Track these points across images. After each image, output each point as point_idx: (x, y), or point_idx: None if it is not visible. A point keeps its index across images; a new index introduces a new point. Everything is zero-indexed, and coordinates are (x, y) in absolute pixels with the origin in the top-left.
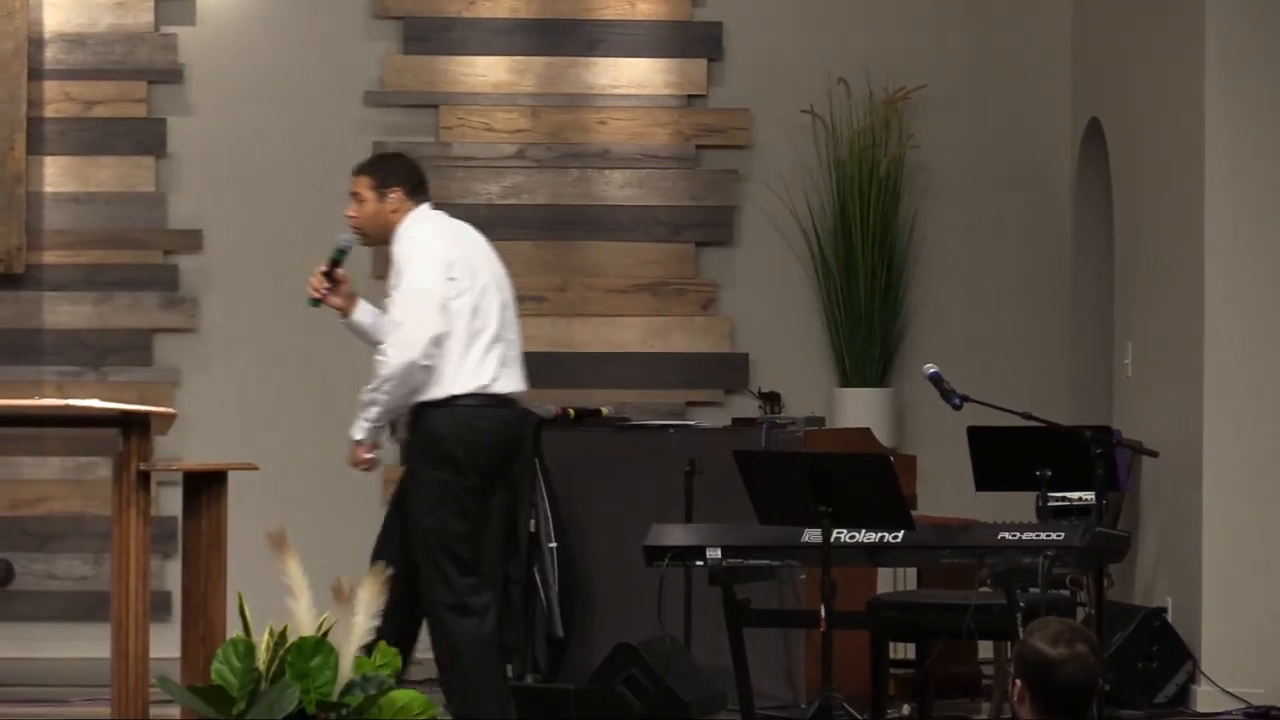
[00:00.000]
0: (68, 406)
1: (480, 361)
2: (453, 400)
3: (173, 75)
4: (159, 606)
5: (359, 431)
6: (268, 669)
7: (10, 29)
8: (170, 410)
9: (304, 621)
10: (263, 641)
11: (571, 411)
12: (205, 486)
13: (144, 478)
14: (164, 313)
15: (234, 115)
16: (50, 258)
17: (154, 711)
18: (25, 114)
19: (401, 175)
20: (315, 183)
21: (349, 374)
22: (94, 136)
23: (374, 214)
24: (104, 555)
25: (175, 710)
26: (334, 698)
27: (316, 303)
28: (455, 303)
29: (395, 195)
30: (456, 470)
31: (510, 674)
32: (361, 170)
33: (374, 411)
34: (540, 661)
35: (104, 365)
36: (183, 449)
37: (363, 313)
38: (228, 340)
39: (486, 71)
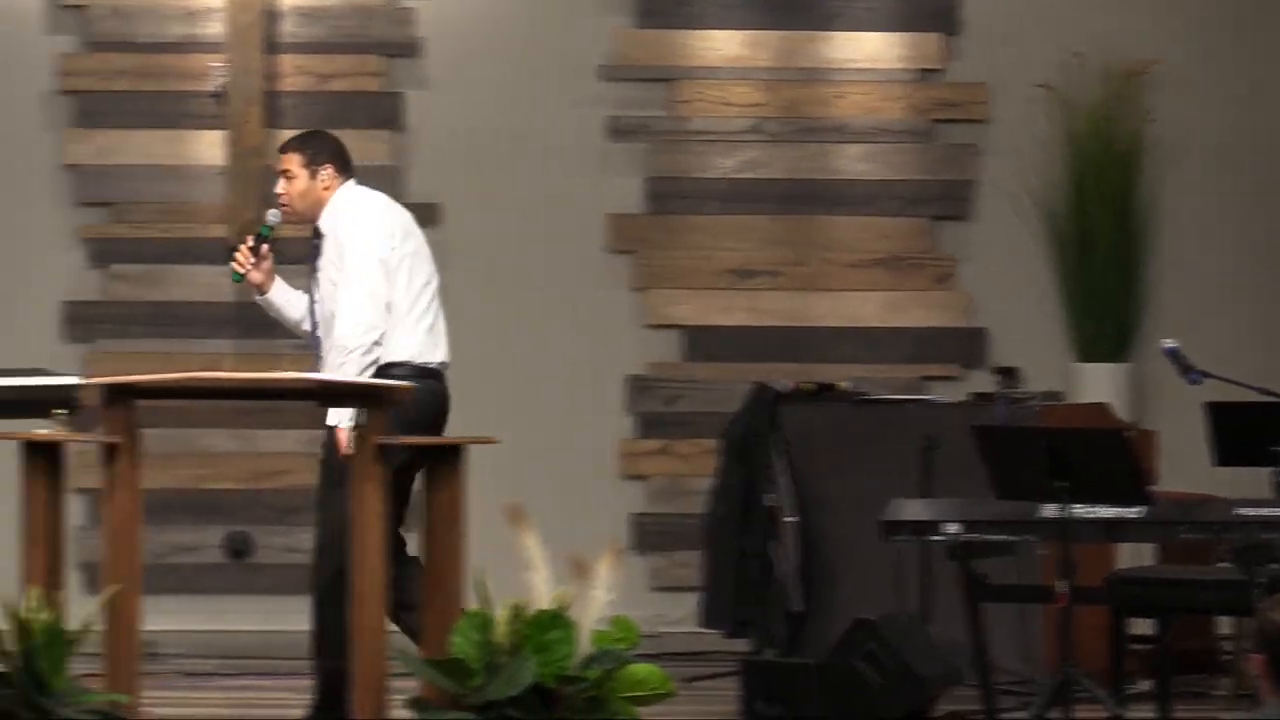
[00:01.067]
0: (304, 380)
1: (412, 332)
2: (387, 370)
3: (409, 49)
4: None
5: (336, 418)
6: (506, 643)
7: (247, 2)
8: (407, 384)
9: (542, 595)
10: (501, 615)
11: (808, 385)
12: (443, 460)
13: (382, 451)
14: None
15: (469, 89)
16: (287, 231)
17: (393, 684)
18: (262, 88)
19: (331, 152)
20: (550, 156)
21: (586, 348)
22: (330, 110)
23: (305, 191)
24: None
25: (414, 683)
26: (572, 672)
27: (240, 277)
28: (401, 274)
29: (326, 172)
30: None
31: (749, 648)
32: (290, 147)
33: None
34: (778, 636)
35: None
36: None
37: (278, 290)
38: (466, 314)
39: (721, 45)
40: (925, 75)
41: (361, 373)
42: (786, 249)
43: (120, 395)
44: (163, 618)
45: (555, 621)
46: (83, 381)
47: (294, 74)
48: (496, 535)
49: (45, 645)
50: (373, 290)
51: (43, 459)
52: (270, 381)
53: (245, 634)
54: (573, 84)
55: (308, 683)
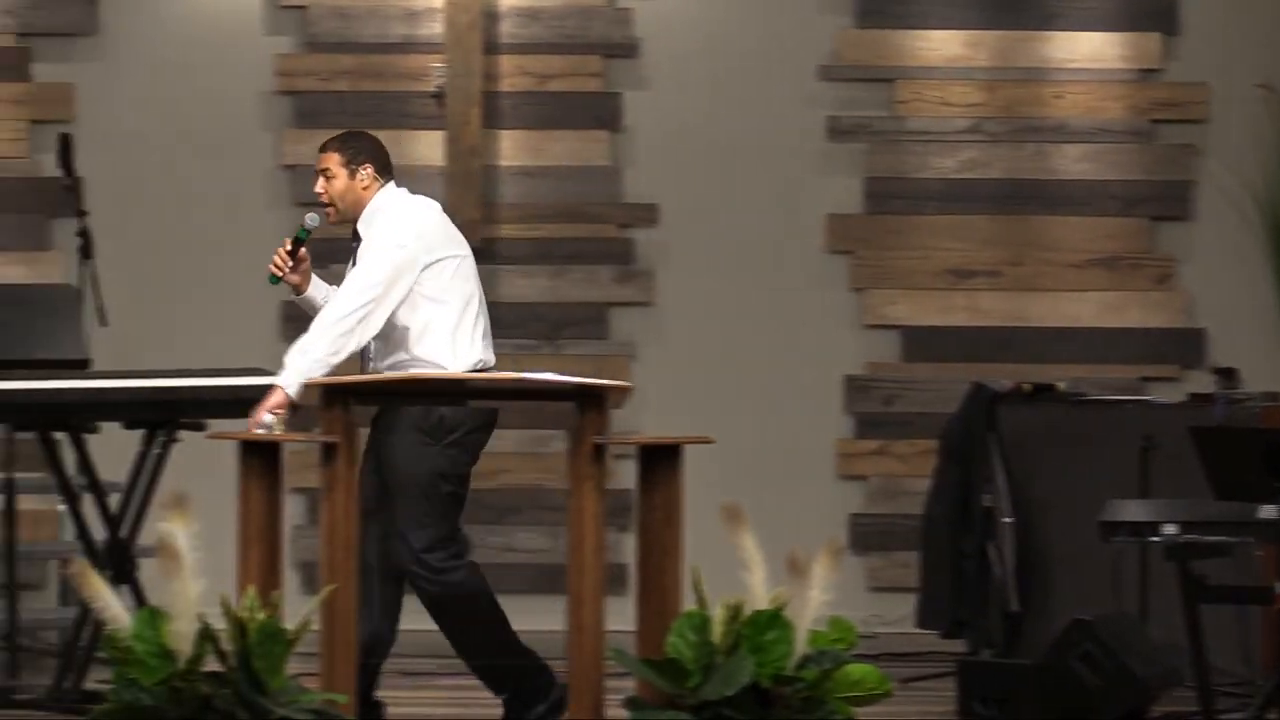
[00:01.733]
0: (522, 380)
1: (471, 337)
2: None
3: (628, 49)
4: (614, 579)
5: (289, 383)
6: (723, 643)
7: (467, 3)
8: (625, 384)
9: (759, 595)
10: (717, 615)
11: (1026, 386)
12: (660, 459)
13: (599, 451)
14: (619, 286)
15: (689, 89)
16: (506, 231)
17: (609, 684)
18: (481, 88)
19: (371, 152)
20: (768, 157)
21: (804, 348)
22: (549, 110)
23: (344, 190)
24: (560, 528)
25: (630, 683)
26: (788, 672)
27: (276, 279)
28: (434, 283)
29: (366, 172)
30: (458, 446)
31: (966, 648)
32: (329, 146)
33: (311, 364)
34: (995, 637)
35: (559, 339)
36: (638, 422)
37: (315, 288)
38: (683, 314)
39: (941, 45)
40: (1145, 75)
41: (325, 351)
42: (1005, 249)
43: (338, 395)
44: None
45: (772, 622)
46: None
47: (513, 74)
48: (714, 535)
49: (262, 644)
50: (373, 283)
51: (260, 458)
52: (487, 381)
53: None
54: (792, 84)
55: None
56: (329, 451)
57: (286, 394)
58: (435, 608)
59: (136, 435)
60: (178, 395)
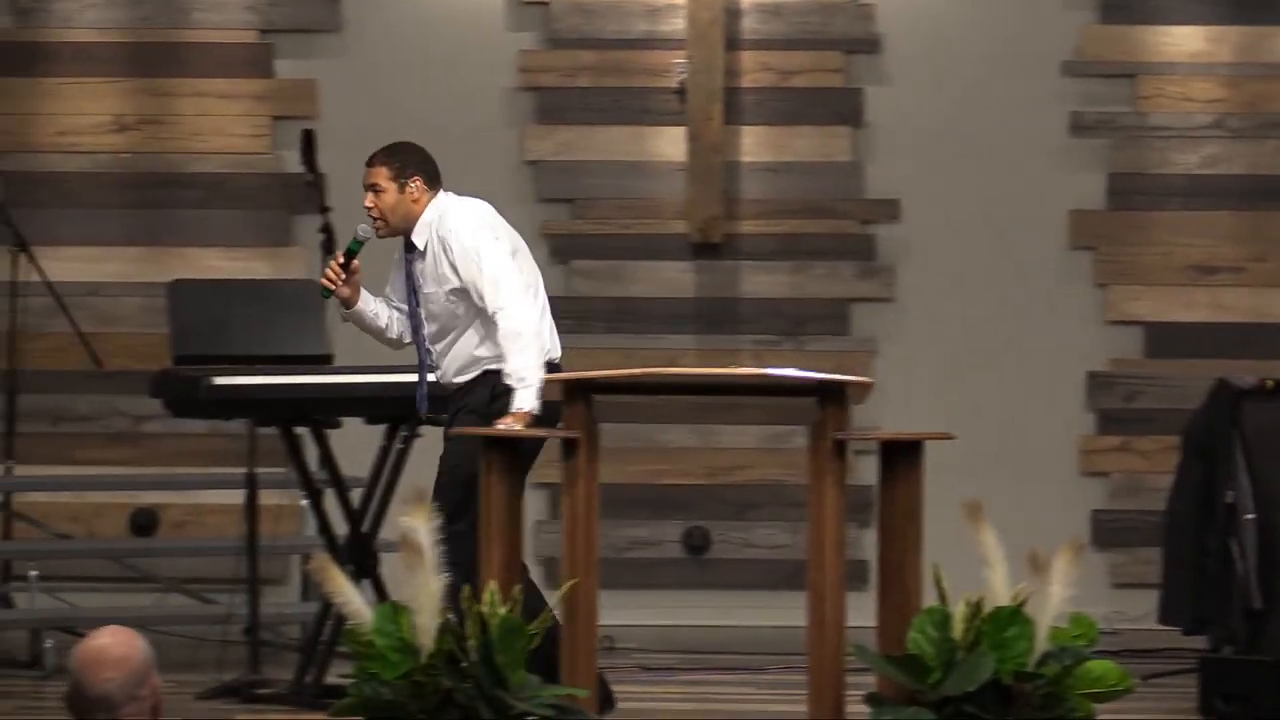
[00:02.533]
0: (765, 375)
1: (544, 330)
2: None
3: (870, 45)
4: (855, 575)
5: (528, 401)
6: (963, 639)
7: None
8: (867, 379)
9: (999, 592)
10: (958, 611)
11: (1270, 382)
12: (901, 455)
13: (840, 446)
14: (861, 282)
15: (931, 85)
16: (748, 227)
17: (849, 680)
18: (723, 84)
19: (419, 163)
20: (1010, 152)
21: (1046, 344)
22: (791, 106)
23: (395, 204)
24: (800, 524)
25: (870, 678)
26: (1030, 668)
27: (328, 293)
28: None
29: (415, 184)
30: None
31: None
32: (377, 160)
33: (532, 373)
34: (1237, 634)
35: (801, 334)
36: (879, 418)
37: (364, 302)
38: (925, 310)
39: (1183, 41)
40: None
41: (539, 353)
42: (1248, 245)
43: (579, 390)
44: (620, 612)
45: (1013, 618)
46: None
47: (755, 70)
48: (954, 531)
49: (504, 639)
50: (518, 279)
51: (501, 454)
52: (729, 377)
53: (703, 628)
54: (1035, 80)
55: (766, 677)
56: (570, 447)
57: (527, 411)
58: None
59: (378, 430)
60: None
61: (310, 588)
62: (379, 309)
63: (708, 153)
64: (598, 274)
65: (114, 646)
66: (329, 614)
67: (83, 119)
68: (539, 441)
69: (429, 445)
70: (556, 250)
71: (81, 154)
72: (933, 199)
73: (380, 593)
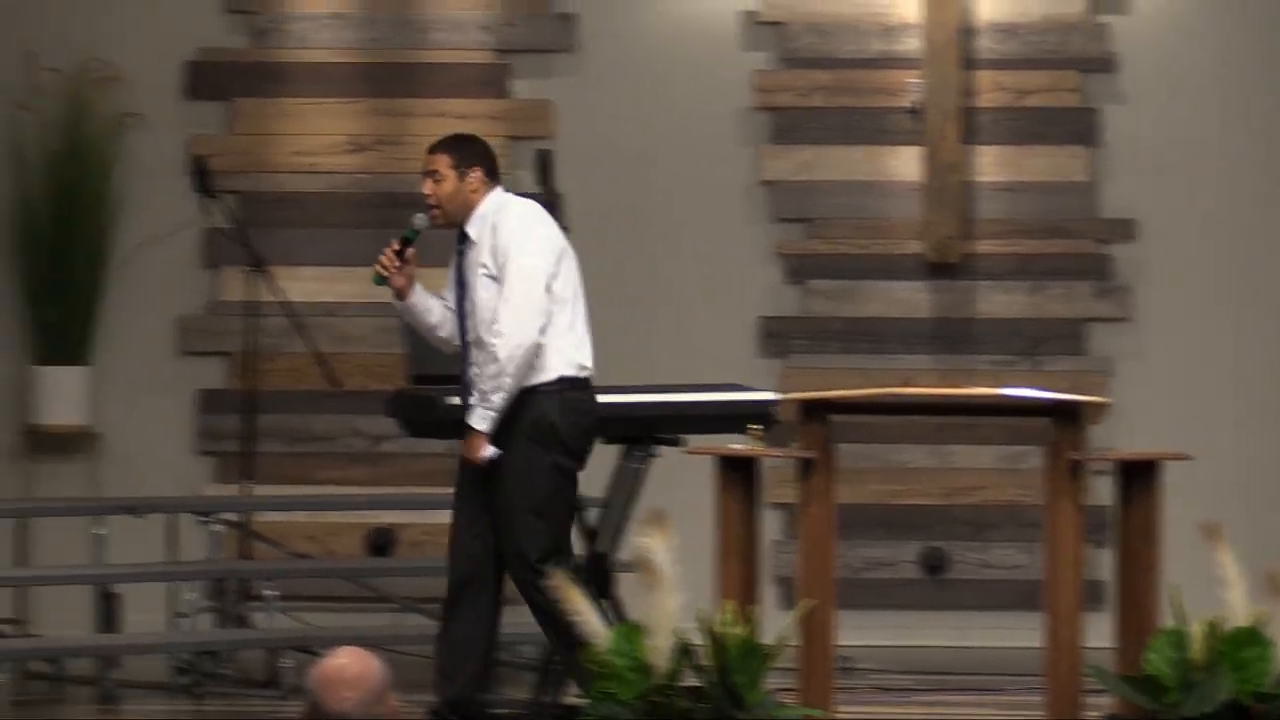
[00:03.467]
0: (1000, 396)
1: (580, 342)
2: (560, 382)
3: (1106, 64)
4: (1091, 596)
5: (482, 421)
6: (1201, 660)
7: (943, 19)
8: (1103, 400)
9: (1238, 612)
10: (1196, 632)
11: None
12: (1138, 476)
13: (1076, 467)
14: (1097, 302)
15: (1168, 104)
16: (984, 247)
17: (1086, 700)
18: (958, 104)
19: (480, 155)
20: (1250, 172)
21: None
22: (1026, 126)
23: (454, 193)
24: (1037, 544)
25: (1107, 699)
26: (1268, 688)
27: (382, 280)
28: (558, 283)
29: (475, 175)
30: (568, 454)
31: None
32: (439, 148)
33: (500, 398)
34: None
35: (1037, 354)
36: (1116, 438)
37: (417, 296)
38: (1163, 330)
39: None
40: None
41: (516, 381)
42: None
43: (816, 410)
44: (857, 632)
45: (1252, 638)
46: (778, 397)
47: (991, 90)
48: (1192, 552)
49: (741, 659)
50: (537, 299)
51: (739, 473)
52: (965, 397)
53: (940, 649)
54: (1274, 98)
55: (1003, 698)
56: (806, 466)
57: (483, 431)
58: (545, 616)
59: (615, 450)
60: (656, 411)
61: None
62: (432, 304)
63: (943, 172)
64: (833, 294)
65: (351, 666)
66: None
67: (319, 139)
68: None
69: (667, 465)
70: (792, 270)
71: (318, 174)
72: (1170, 218)
73: (618, 613)
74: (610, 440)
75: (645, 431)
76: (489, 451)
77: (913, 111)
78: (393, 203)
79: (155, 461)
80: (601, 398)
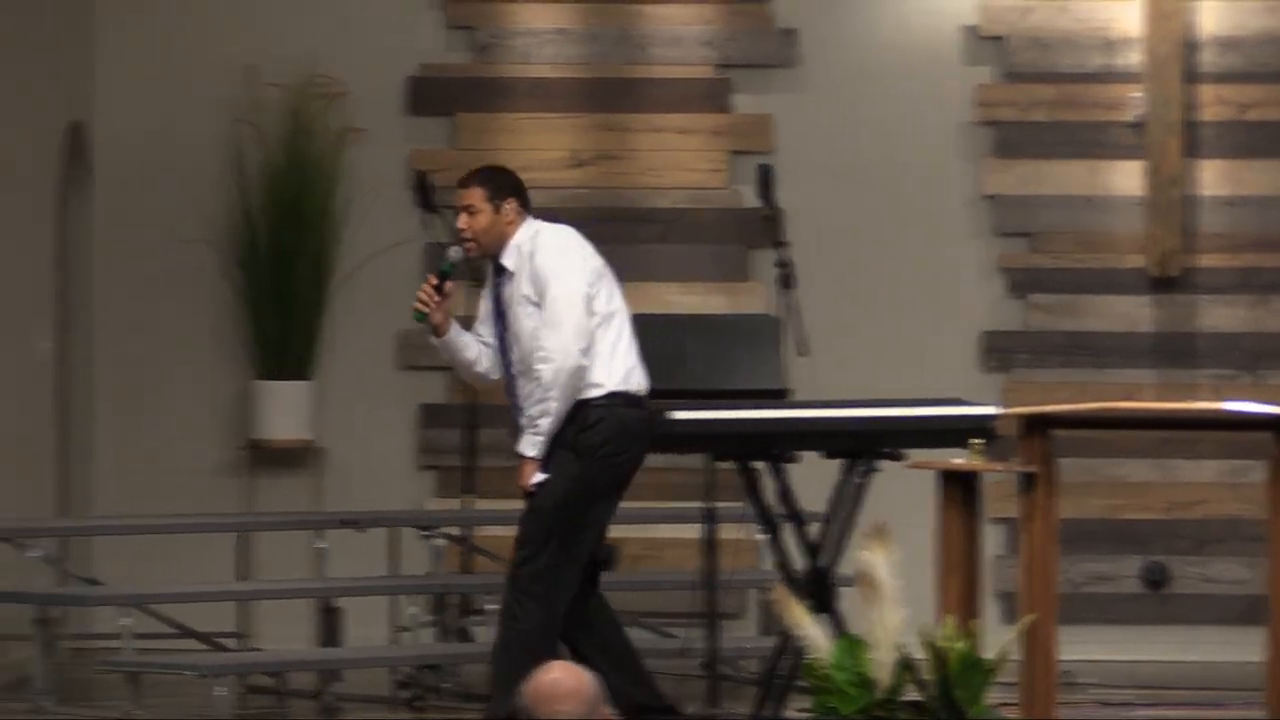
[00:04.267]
0: (1221, 410)
1: (626, 360)
2: (611, 397)
3: None
4: None
5: (532, 448)
6: None
7: (1165, 32)
8: None
9: None
10: None
11: None
12: None
13: None
14: None
15: None
16: (1206, 261)
17: None
18: (1181, 118)
19: (513, 187)
20: None
21: None
22: (1248, 139)
23: (489, 226)
24: (1259, 559)
25: None
26: None
27: (422, 316)
28: (598, 302)
29: (510, 206)
30: (603, 470)
31: None
32: (473, 182)
33: (547, 423)
34: None
35: (1259, 368)
36: None
37: (454, 332)
38: None
39: None
40: None
41: (563, 404)
42: None
43: (1037, 425)
44: (1079, 647)
45: None
46: (1000, 411)
47: (1213, 103)
48: None
49: (962, 674)
50: (578, 322)
51: (959, 488)
52: (1187, 411)
53: (1162, 664)
54: None
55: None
56: (1028, 481)
57: (533, 457)
58: (502, 616)
59: (836, 465)
60: (877, 425)
61: (769, 621)
62: (468, 340)
63: (1166, 186)
64: (1054, 308)
65: (565, 680)
66: (787, 648)
67: (541, 154)
68: (632, 469)
69: (888, 479)
70: (1014, 284)
71: (540, 189)
72: None
73: (838, 627)
74: (831, 455)
75: (867, 446)
76: (538, 477)
77: (1134, 125)
78: (614, 217)
79: (376, 475)
80: (821, 413)
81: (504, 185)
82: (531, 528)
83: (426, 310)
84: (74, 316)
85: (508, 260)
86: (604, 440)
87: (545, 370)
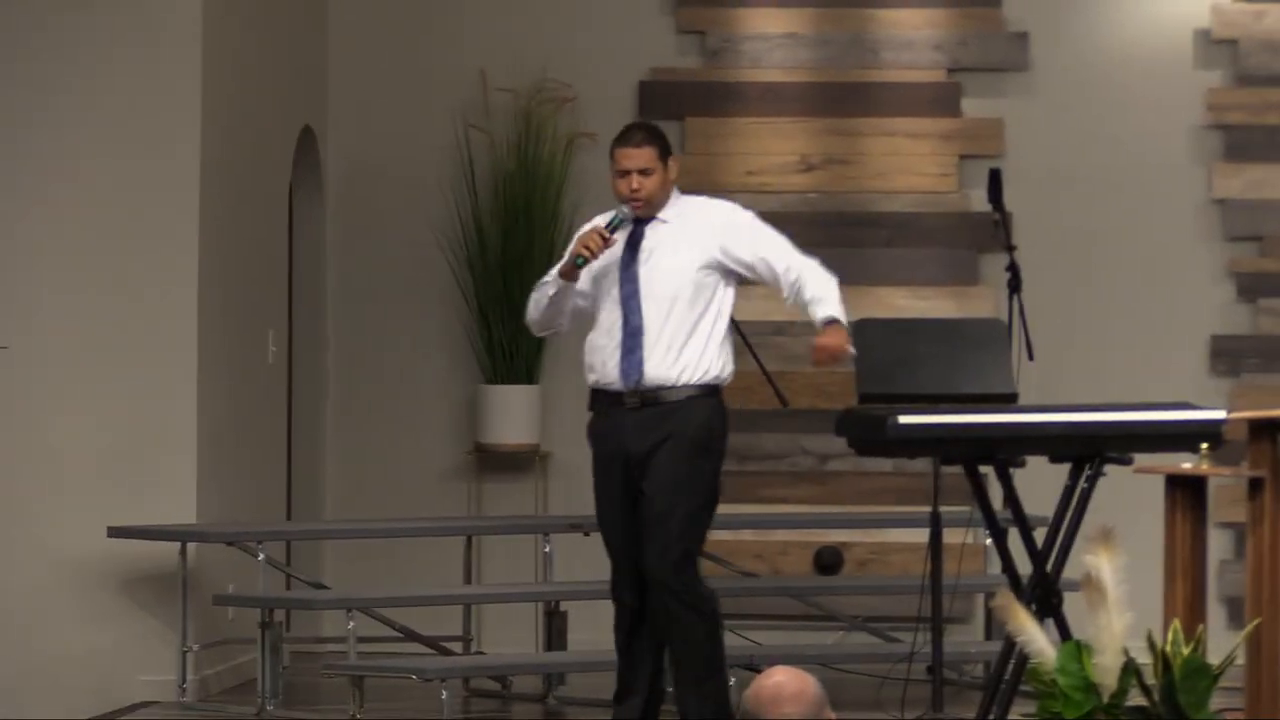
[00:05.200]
0: None
1: (729, 346)
2: (720, 391)
3: None
4: None
5: (837, 308)
6: None
7: None
8: None
9: None
10: None
11: None
12: None
13: None
14: None
15: None
16: None
17: None
18: None
19: (669, 144)
20: None
21: None
22: None
23: (661, 184)
24: None
25: None
26: None
27: (583, 262)
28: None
29: (674, 165)
30: (714, 457)
31: None
32: (647, 142)
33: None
34: None
35: None
36: None
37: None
38: None
39: None
40: None
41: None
42: None
43: (1265, 429)
44: None
45: None
46: (1228, 415)
47: None
48: None
49: (1187, 679)
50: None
51: (1187, 492)
52: None
53: None
54: None
55: None
56: (1255, 485)
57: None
58: (677, 624)
59: (1063, 469)
60: (1105, 429)
61: (994, 626)
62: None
63: None
64: None
65: (789, 683)
66: (1012, 653)
67: (771, 159)
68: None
69: (1115, 483)
70: (1244, 289)
71: (769, 193)
72: None
73: (1064, 632)
74: (1057, 459)
75: (1094, 450)
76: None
77: None
78: (844, 221)
79: None
80: (1049, 417)
81: (668, 143)
82: (683, 527)
83: (593, 258)
84: (305, 321)
85: (666, 213)
86: (721, 433)
87: (818, 269)
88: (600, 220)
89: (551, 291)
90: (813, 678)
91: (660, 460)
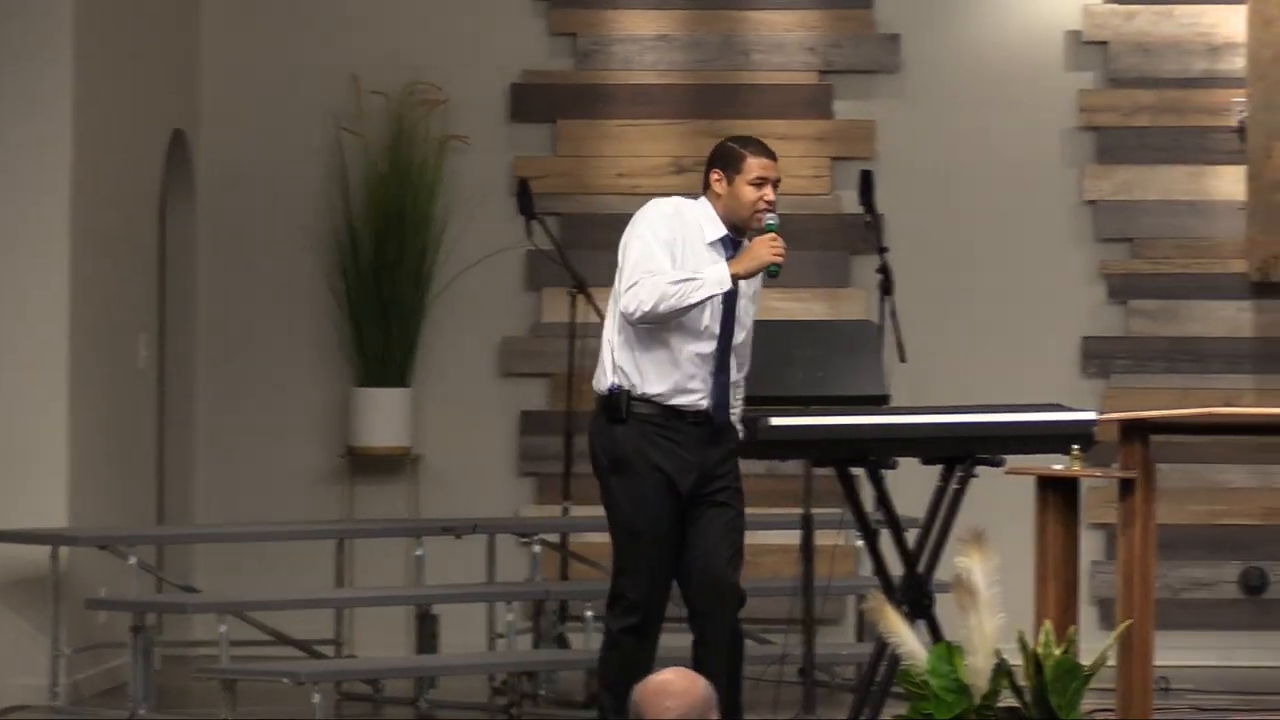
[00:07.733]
0: None
1: None
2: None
3: None
4: None
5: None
6: None
7: (1270, 37)
8: None
9: None
10: None
11: None
12: None
13: None
14: None
15: None
16: None
17: None
18: None
19: None
20: None
21: None
22: None
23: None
24: None
25: None
26: None
27: (777, 269)
28: None
29: None
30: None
31: None
32: (774, 155)
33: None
34: None
35: None
36: None
37: None
38: None
39: None
40: None
41: None
42: None
43: (1136, 430)
44: (1176, 653)
45: None
46: (1099, 417)
47: None
48: None
49: (1059, 680)
50: None
51: (1058, 494)
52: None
53: (1260, 670)
54: None
55: None
56: (1127, 486)
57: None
58: (732, 628)
59: (934, 471)
60: (976, 431)
61: (865, 628)
62: None
63: (1268, 191)
64: (1155, 313)
65: (676, 681)
66: (884, 654)
67: (642, 161)
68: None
69: (985, 485)
70: (1114, 290)
71: (640, 195)
72: None
73: (935, 633)
74: (928, 461)
75: (965, 452)
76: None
77: (1237, 130)
78: None
79: (474, 482)
80: (921, 419)
81: None
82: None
83: (782, 263)
84: (176, 324)
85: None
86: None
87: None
88: (769, 226)
89: (710, 294)
90: (704, 680)
91: (726, 472)
